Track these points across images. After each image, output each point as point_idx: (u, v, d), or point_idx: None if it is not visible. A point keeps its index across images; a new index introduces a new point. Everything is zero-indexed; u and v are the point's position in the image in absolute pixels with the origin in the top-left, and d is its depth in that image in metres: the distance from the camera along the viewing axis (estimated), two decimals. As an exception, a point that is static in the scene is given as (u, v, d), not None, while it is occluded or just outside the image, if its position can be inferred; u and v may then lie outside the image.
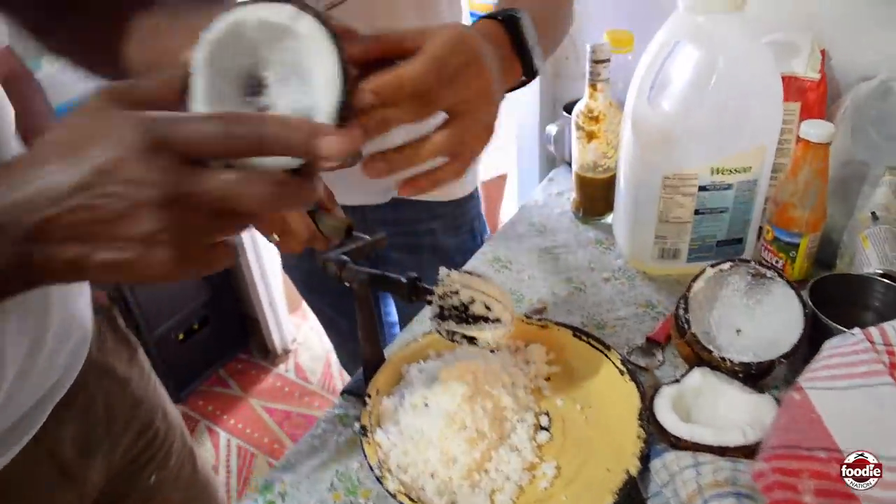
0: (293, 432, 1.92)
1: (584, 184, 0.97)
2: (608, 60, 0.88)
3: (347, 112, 0.38)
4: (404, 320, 1.24)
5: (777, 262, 0.80)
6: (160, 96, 0.37)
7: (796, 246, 0.78)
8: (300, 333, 2.30)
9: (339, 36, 0.37)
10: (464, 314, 0.59)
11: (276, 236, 0.69)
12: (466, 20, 0.94)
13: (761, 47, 0.74)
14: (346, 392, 0.71)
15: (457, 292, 0.59)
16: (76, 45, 0.57)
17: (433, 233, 1.03)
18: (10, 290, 0.35)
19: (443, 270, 0.60)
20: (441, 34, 0.45)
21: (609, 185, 0.95)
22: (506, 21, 0.54)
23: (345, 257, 0.64)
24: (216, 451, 1.90)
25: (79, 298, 0.63)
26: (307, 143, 0.34)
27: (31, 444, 0.57)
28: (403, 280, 0.61)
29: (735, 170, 0.78)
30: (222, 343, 2.18)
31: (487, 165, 1.91)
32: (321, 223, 0.66)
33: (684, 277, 0.86)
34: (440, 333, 0.60)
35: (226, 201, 0.34)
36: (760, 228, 0.85)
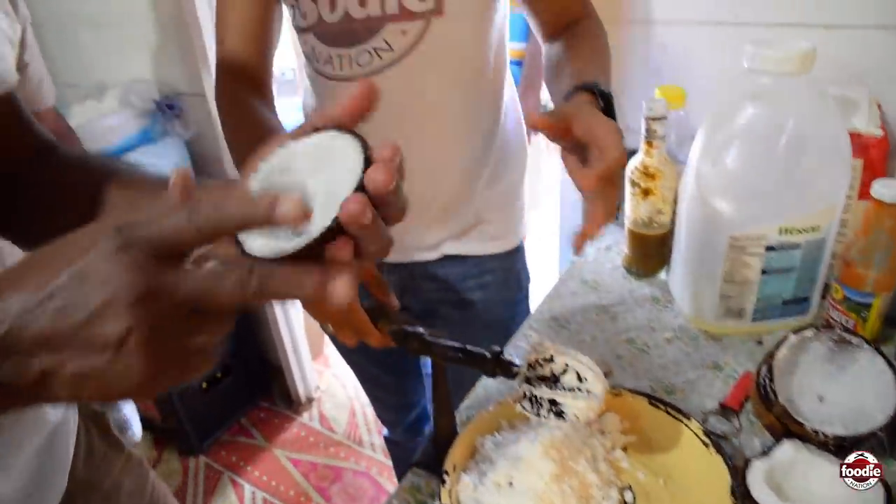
0: (320, 485, 1.88)
1: (637, 240, 0.96)
2: (664, 118, 0.87)
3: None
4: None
5: (847, 321, 0.78)
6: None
7: (868, 306, 0.76)
8: (323, 381, 2.27)
9: (370, 151, 0.37)
10: (553, 385, 0.57)
11: (330, 327, 0.71)
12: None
13: (830, 107, 0.74)
14: (417, 465, 0.69)
15: (550, 359, 0.57)
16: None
17: (483, 287, 1.02)
18: None
19: (535, 338, 0.59)
20: (607, 125, 0.58)
21: (663, 241, 0.94)
22: (602, 95, 0.66)
23: (421, 329, 0.62)
24: (241, 504, 1.85)
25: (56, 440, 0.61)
26: (267, 215, 0.33)
27: None
28: (488, 355, 0.59)
29: (804, 229, 0.77)
30: (245, 391, 2.15)
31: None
32: (378, 321, 0.67)
33: (749, 336, 0.85)
34: (523, 407, 0.58)
35: (200, 297, 0.32)
36: (826, 286, 0.83)
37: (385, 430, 1.37)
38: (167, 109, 1.66)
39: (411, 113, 0.84)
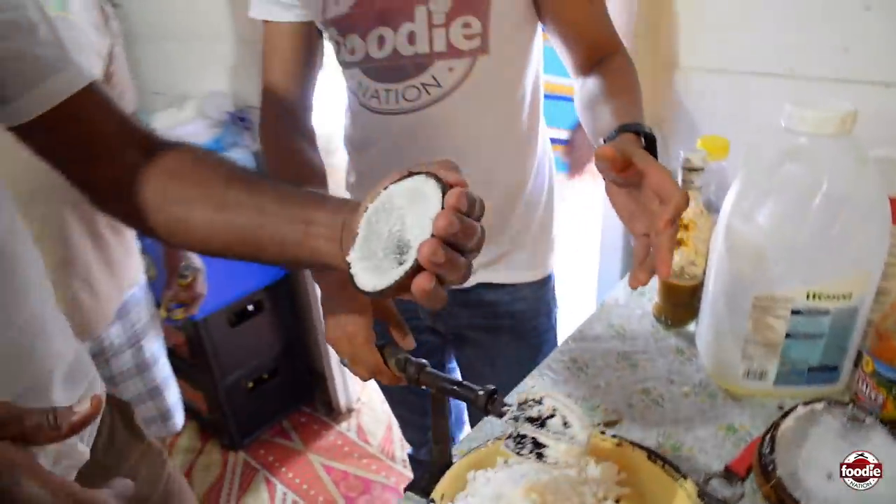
0: (348, 494, 1.92)
1: (668, 290, 0.95)
2: (702, 169, 0.87)
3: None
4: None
5: (876, 396, 0.74)
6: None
7: (900, 383, 0.72)
8: (364, 393, 2.32)
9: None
10: (539, 427, 0.57)
11: (346, 360, 0.75)
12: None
13: (869, 171, 0.72)
14: (410, 489, 0.71)
15: (539, 401, 0.58)
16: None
17: (513, 315, 1.04)
18: None
19: (528, 382, 0.60)
20: (663, 169, 0.60)
21: (694, 292, 0.93)
22: (646, 137, 0.69)
23: (424, 361, 0.64)
24: (271, 503, 1.91)
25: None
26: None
27: None
28: (480, 392, 0.60)
29: (834, 296, 0.74)
30: (288, 395, 2.22)
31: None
32: (389, 360, 0.71)
33: (770, 400, 0.82)
34: (507, 445, 0.59)
35: None
36: (859, 353, 0.79)
37: (409, 449, 1.39)
38: (238, 121, 1.77)
39: (454, 146, 0.88)
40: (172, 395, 1.48)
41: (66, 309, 1.09)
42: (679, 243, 0.90)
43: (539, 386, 0.87)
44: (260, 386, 2.11)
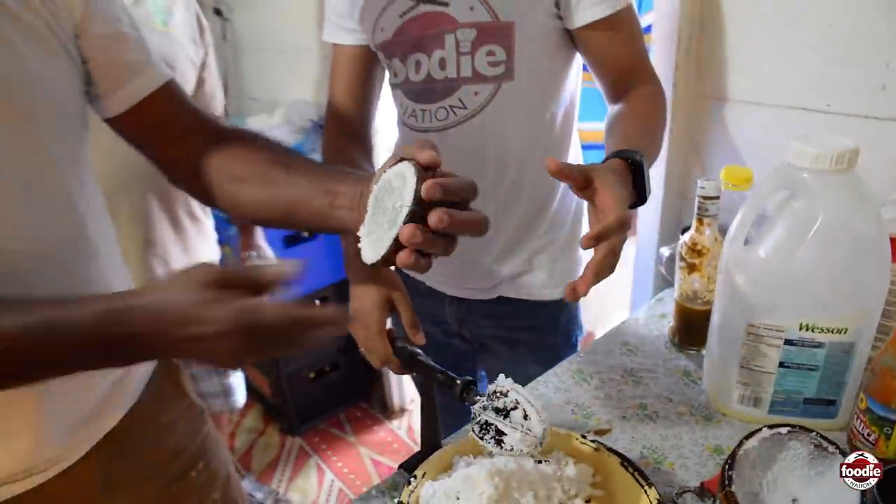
0: (391, 489, 2.01)
1: (682, 313, 0.98)
2: (717, 198, 0.89)
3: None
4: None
5: (869, 434, 0.74)
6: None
7: (893, 423, 0.72)
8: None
9: (422, 179, 0.53)
10: (504, 417, 0.64)
11: (362, 348, 0.85)
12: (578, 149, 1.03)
13: (868, 208, 0.73)
14: (403, 466, 0.78)
15: (505, 394, 0.64)
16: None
17: (531, 330, 1.08)
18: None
19: (501, 376, 0.66)
20: (612, 194, 0.64)
21: (707, 317, 0.95)
22: (633, 163, 0.72)
23: (418, 349, 0.72)
24: (319, 488, 2.03)
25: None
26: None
27: (62, 474, 0.68)
28: (458, 381, 0.67)
29: (828, 329, 0.75)
30: (347, 390, 2.35)
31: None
32: (396, 350, 0.79)
33: (767, 428, 0.83)
34: (473, 430, 0.66)
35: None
36: (861, 392, 0.80)
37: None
38: (319, 129, 1.92)
39: (478, 164, 0.95)
40: (235, 374, 1.63)
41: (145, 281, 1.26)
42: (693, 269, 0.93)
43: (542, 391, 0.92)
44: (321, 378, 2.25)
